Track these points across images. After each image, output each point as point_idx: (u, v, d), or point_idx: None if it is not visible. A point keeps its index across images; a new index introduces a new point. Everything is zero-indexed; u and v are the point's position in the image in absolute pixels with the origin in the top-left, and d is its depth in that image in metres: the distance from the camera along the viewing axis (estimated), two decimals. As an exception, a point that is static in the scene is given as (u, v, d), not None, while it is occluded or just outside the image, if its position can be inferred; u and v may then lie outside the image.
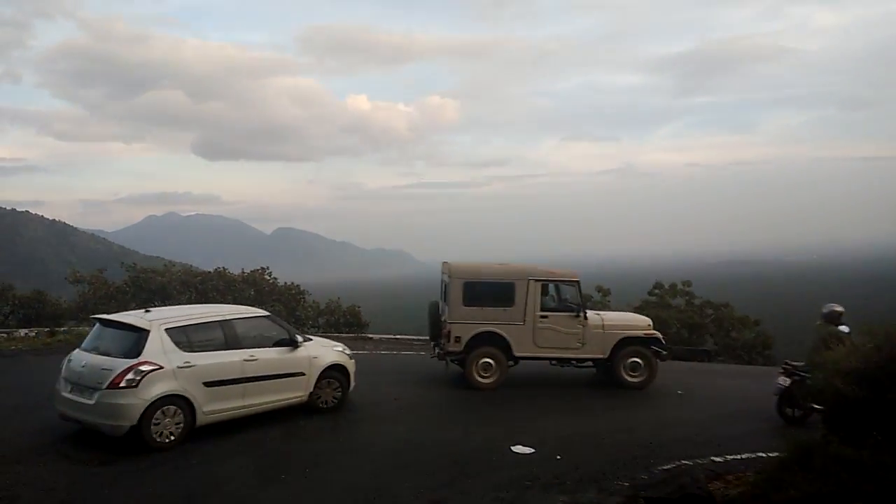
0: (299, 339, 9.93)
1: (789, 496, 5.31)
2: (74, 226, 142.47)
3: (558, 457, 8.41)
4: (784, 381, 10.26)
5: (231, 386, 8.91)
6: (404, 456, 8.42)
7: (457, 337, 12.01)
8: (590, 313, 12.54)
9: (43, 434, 8.78)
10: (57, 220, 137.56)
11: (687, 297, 22.45)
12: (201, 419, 8.63)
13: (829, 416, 5.83)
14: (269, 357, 9.39)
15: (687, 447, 8.84)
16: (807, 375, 9.59)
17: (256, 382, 9.16)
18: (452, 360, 12.45)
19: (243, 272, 23.52)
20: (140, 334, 8.46)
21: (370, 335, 20.32)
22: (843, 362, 6.09)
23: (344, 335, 19.25)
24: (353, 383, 10.52)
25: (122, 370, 8.07)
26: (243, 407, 9.11)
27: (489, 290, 12.14)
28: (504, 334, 12.04)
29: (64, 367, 8.85)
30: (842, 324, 10.01)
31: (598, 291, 23.52)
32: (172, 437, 8.35)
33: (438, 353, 12.59)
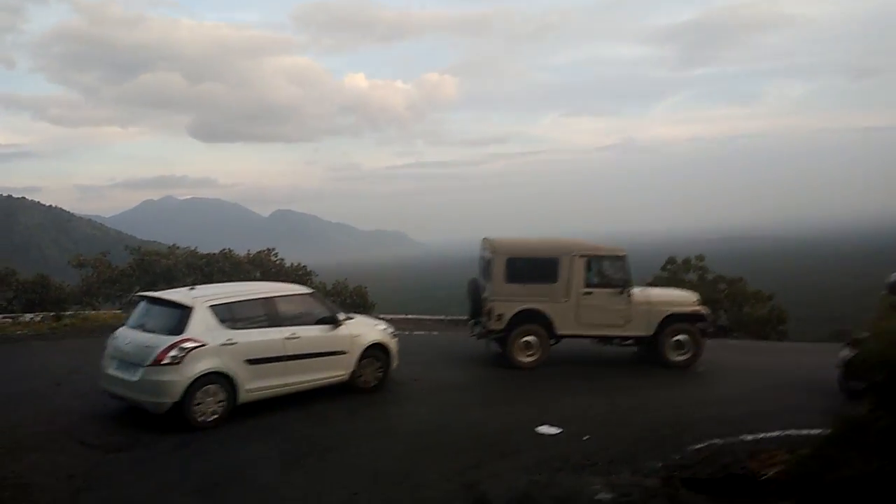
0: (341, 317, 9.84)
1: (843, 475, 5.07)
2: (71, 211, 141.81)
3: (585, 437, 8.21)
4: (848, 353, 9.72)
5: (273, 364, 8.90)
6: (428, 438, 8.24)
7: (499, 315, 11.74)
8: (635, 290, 12.21)
9: (56, 420, 8.56)
10: (54, 205, 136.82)
11: (700, 272, 22.21)
12: (243, 397, 8.63)
13: (880, 389, 5.58)
14: (310, 335, 9.35)
15: (715, 426, 8.63)
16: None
17: (298, 360, 9.14)
18: (493, 339, 12.18)
19: (249, 254, 23.23)
20: (184, 311, 8.49)
21: (381, 316, 20.08)
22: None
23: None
24: (395, 363, 10.44)
25: (165, 347, 8.11)
26: (284, 385, 9.09)
27: (532, 266, 11.90)
28: (547, 312, 11.79)
29: (109, 344, 8.91)
30: None
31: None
32: (216, 416, 8.35)
33: (479, 331, 12.35)
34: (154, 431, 8.15)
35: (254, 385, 8.71)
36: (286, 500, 6.44)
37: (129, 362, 8.37)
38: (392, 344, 10.42)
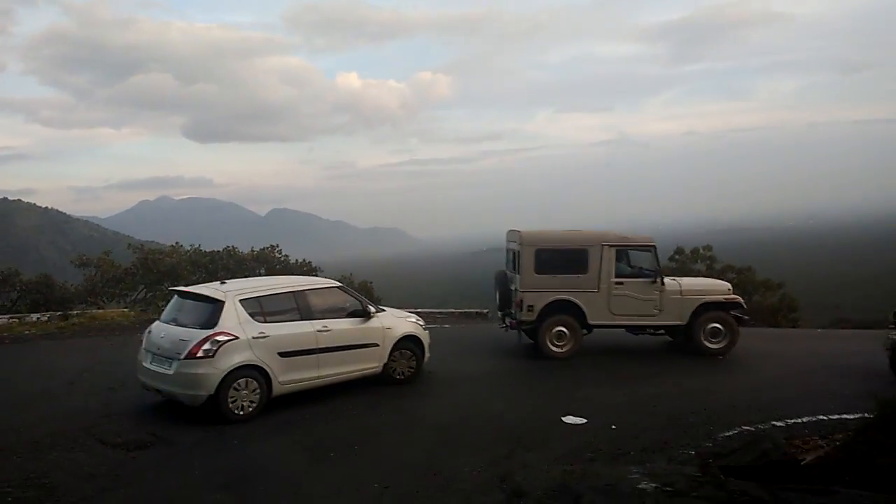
0: (372, 309, 9.81)
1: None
2: (67, 213, 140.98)
3: (613, 426, 8.09)
4: None
5: (306, 356, 8.92)
6: (453, 430, 8.09)
7: (529, 306, 11.71)
8: (667, 279, 12.23)
9: (73, 419, 8.40)
10: (50, 207, 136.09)
11: (708, 262, 22.16)
12: (277, 389, 8.66)
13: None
14: (342, 328, 9.37)
15: (743, 413, 8.55)
16: None
17: (330, 353, 9.16)
18: (524, 331, 12.10)
19: (253, 251, 23.09)
20: (215, 305, 8.56)
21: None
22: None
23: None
24: (427, 355, 10.40)
25: (198, 340, 8.17)
26: (318, 377, 9.11)
27: (562, 258, 11.86)
28: (578, 302, 11.74)
29: (144, 338, 9.05)
30: None
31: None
32: (252, 408, 8.40)
33: (509, 323, 12.29)
34: (173, 429, 8.04)
35: (287, 378, 8.72)
36: (317, 495, 6.29)
37: (164, 356, 8.45)
38: (424, 336, 10.39)
